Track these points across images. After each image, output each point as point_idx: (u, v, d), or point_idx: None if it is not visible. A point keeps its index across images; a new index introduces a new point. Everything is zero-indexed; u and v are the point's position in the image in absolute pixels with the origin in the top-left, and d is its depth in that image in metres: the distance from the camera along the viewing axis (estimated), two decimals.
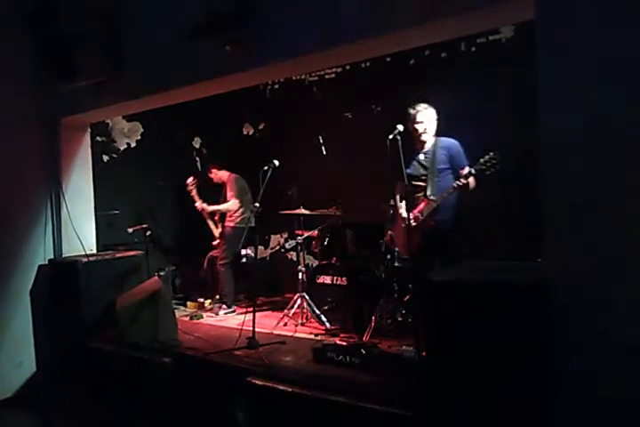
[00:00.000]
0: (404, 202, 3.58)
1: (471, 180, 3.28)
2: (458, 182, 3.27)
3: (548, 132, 1.93)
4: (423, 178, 3.52)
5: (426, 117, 3.50)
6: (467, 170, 3.25)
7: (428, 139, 3.56)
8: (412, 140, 3.53)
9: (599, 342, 1.82)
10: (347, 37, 2.71)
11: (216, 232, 5.27)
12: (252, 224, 4.83)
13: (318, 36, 2.78)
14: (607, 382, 1.80)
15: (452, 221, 3.44)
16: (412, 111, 3.50)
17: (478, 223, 4.00)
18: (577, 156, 1.85)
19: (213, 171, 5.24)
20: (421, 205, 3.46)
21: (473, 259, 2.73)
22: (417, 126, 3.49)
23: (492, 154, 3.14)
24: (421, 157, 3.57)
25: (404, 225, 3.46)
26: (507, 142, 3.64)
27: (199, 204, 5.16)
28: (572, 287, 1.86)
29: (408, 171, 3.42)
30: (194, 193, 5.21)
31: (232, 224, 5.06)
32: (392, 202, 3.86)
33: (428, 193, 3.44)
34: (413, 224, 3.25)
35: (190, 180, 5.24)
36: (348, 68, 5.38)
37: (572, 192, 1.87)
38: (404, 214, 3.48)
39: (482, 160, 3.18)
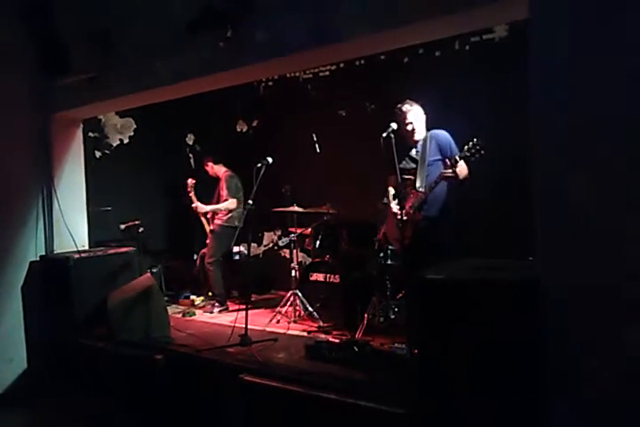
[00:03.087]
0: (395, 197, 3.58)
1: (461, 169, 3.27)
2: (444, 171, 3.27)
3: (539, 133, 1.93)
4: (413, 171, 3.53)
5: (415, 116, 3.53)
6: (453, 158, 3.24)
7: (420, 134, 3.58)
8: (405, 137, 3.55)
9: (594, 341, 1.83)
10: (340, 35, 2.70)
11: (208, 230, 5.27)
12: (241, 224, 4.77)
13: (312, 33, 2.77)
14: (602, 380, 1.81)
15: (439, 217, 3.44)
16: (401, 110, 3.52)
17: (469, 220, 4.01)
18: (570, 156, 1.86)
19: (209, 164, 5.24)
20: (412, 198, 3.46)
21: (464, 256, 2.74)
22: (408, 127, 3.53)
23: (475, 140, 3.14)
24: (413, 151, 3.60)
25: (396, 220, 3.47)
26: (500, 141, 3.66)
27: (195, 204, 5.14)
28: (565, 286, 1.87)
29: (400, 166, 3.41)
30: (192, 194, 5.20)
31: (220, 222, 5.06)
32: (385, 199, 3.86)
33: (417, 185, 3.46)
34: (404, 218, 3.23)
35: (190, 181, 5.23)
36: (342, 65, 5.37)
37: (565, 191, 1.87)
38: (395, 209, 3.51)
39: (466, 147, 3.18)
